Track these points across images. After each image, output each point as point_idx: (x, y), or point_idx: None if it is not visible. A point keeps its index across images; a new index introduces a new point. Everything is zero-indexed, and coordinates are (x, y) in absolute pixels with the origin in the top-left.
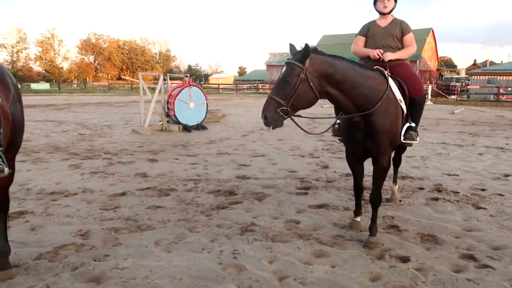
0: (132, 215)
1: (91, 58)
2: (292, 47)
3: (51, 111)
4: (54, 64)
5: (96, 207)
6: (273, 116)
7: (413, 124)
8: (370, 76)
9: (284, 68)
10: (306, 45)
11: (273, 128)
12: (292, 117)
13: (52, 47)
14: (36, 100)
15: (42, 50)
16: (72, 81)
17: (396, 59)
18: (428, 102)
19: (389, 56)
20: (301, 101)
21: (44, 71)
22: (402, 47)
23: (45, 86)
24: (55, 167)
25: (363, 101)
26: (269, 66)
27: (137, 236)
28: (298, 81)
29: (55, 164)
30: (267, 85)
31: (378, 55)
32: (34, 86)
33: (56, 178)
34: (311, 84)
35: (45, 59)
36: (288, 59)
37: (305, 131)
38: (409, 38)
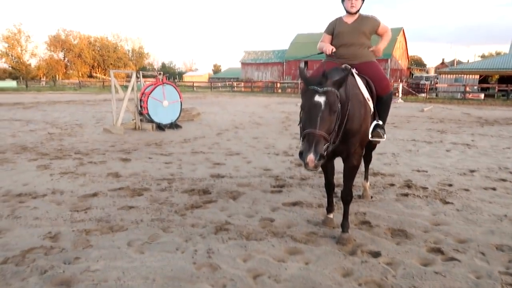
0: (104, 216)
1: (61, 55)
2: (301, 70)
3: (18, 110)
4: (21, 60)
5: (66, 209)
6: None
7: (380, 122)
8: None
9: (324, 97)
10: (349, 68)
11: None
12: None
13: (19, 43)
14: (2, 98)
15: (8, 46)
16: (40, 78)
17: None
18: (399, 100)
19: (380, 51)
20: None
21: (10, 68)
22: (370, 42)
23: (11, 83)
24: (23, 167)
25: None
26: (244, 64)
27: (109, 237)
28: (338, 110)
29: (22, 164)
30: (242, 83)
31: (331, 52)
32: None
33: (23, 179)
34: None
35: (12, 56)
36: (323, 86)
37: None
38: (382, 28)
